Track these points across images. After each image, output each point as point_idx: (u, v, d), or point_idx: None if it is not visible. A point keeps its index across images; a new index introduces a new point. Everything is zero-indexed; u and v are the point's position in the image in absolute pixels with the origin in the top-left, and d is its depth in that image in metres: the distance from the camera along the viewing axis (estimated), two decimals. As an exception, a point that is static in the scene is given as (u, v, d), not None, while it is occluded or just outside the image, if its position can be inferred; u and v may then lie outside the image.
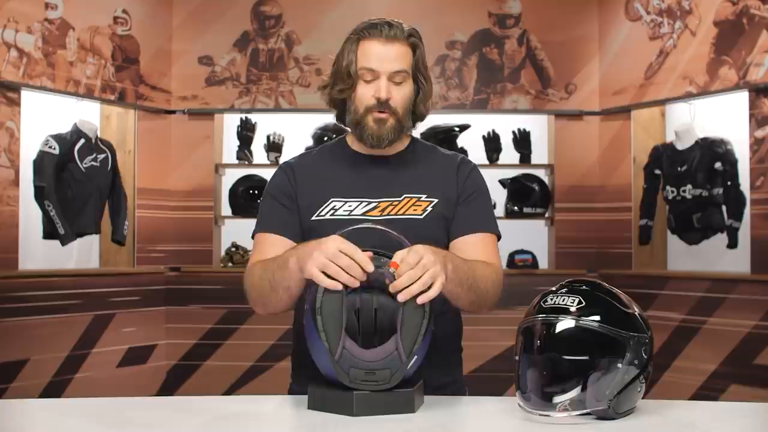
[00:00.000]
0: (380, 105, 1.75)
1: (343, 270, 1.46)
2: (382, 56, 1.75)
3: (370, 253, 1.51)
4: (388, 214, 1.76)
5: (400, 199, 1.78)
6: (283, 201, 1.81)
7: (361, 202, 1.77)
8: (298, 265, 1.55)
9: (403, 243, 1.54)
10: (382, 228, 1.55)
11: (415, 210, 1.77)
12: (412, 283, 1.47)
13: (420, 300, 1.47)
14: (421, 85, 1.81)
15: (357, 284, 1.47)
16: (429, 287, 1.48)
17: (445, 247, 1.75)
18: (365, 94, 1.76)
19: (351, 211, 1.76)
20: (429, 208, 1.78)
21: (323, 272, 1.47)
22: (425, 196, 1.79)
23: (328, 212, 1.77)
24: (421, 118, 1.86)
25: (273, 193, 1.84)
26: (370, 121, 1.77)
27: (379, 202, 1.77)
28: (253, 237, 1.84)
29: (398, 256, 1.49)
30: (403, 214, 1.76)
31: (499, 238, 1.84)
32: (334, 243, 1.49)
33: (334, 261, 1.47)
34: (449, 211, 1.80)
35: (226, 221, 5.18)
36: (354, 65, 1.76)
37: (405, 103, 1.78)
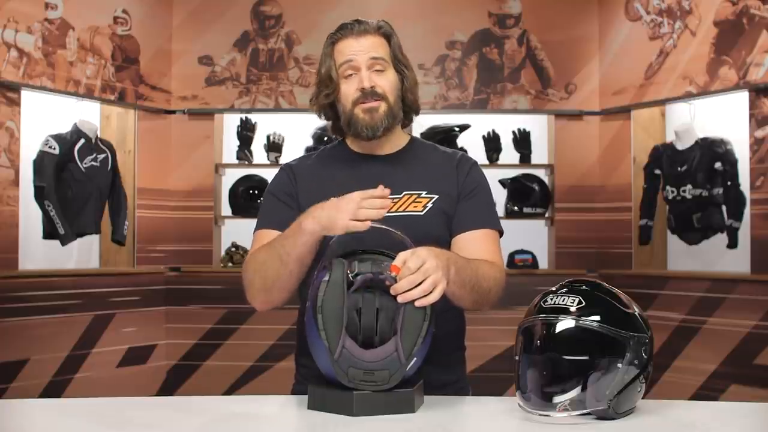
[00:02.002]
0: (366, 95, 1.76)
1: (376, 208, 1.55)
2: (357, 49, 1.77)
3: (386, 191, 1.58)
4: (388, 212, 1.75)
5: (400, 195, 1.78)
6: (284, 199, 1.82)
7: None
8: (319, 225, 1.59)
9: (407, 243, 1.54)
10: (386, 228, 1.55)
11: (415, 207, 1.77)
12: (412, 288, 1.47)
13: (418, 304, 1.47)
14: (403, 74, 1.81)
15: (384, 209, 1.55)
16: (430, 292, 1.48)
17: (446, 243, 1.75)
18: (349, 90, 1.77)
19: None
20: (429, 205, 1.78)
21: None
22: (425, 192, 1.79)
23: None
24: (415, 110, 1.86)
25: (274, 191, 1.86)
26: (359, 113, 1.77)
27: None
28: (253, 233, 1.84)
29: (401, 257, 1.49)
30: (403, 211, 1.76)
31: (501, 234, 1.84)
32: (354, 195, 1.57)
33: (363, 205, 1.54)
34: (450, 207, 1.80)
35: (226, 221, 5.18)
36: (334, 69, 1.78)
37: (392, 89, 1.79)
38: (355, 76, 1.77)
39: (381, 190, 1.56)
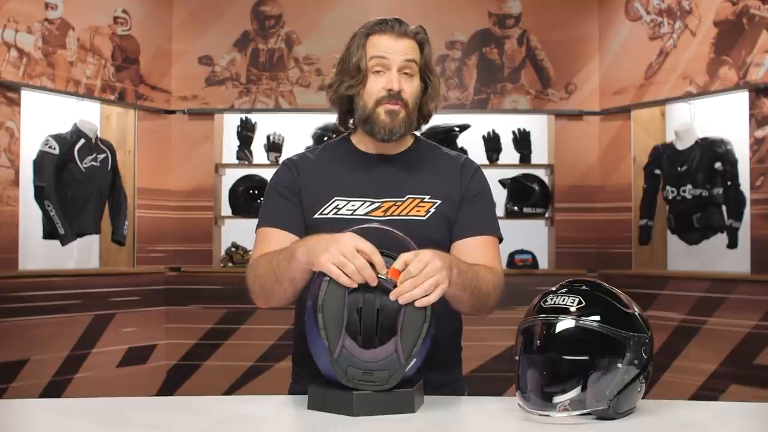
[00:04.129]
0: (391, 96, 1.74)
1: (359, 270, 1.46)
2: (393, 49, 1.75)
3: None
4: (391, 215, 1.75)
5: (404, 199, 1.78)
6: (287, 195, 1.81)
7: (365, 202, 1.77)
8: (307, 257, 1.54)
9: (409, 244, 1.54)
10: (388, 228, 1.55)
11: (418, 211, 1.77)
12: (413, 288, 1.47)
13: (418, 303, 1.47)
14: (428, 83, 1.81)
15: (373, 284, 1.47)
16: (430, 293, 1.48)
17: (446, 248, 1.75)
18: (375, 87, 1.75)
19: (354, 210, 1.76)
20: (432, 210, 1.77)
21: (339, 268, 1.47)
22: (428, 197, 1.79)
23: (331, 211, 1.77)
24: (427, 117, 1.86)
25: (277, 188, 1.83)
26: (381, 113, 1.75)
27: (383, 202, 1.77)
28: (256, 231, 1.83)
29: (402, 259, 1.49)
30: (406, 215, 1.76)
31: (500, 240, 1.84)
32: (352, 241, 1.48)
33: (352, 261, 1.46)
34: (452, 213, 1.79)
35: (226, 221, 5.18)
36: (364, 60, 1.75)
37: (415, 97, 1.78)
38: (384, 74, 1.75)
39: (381, 258, 1.48)
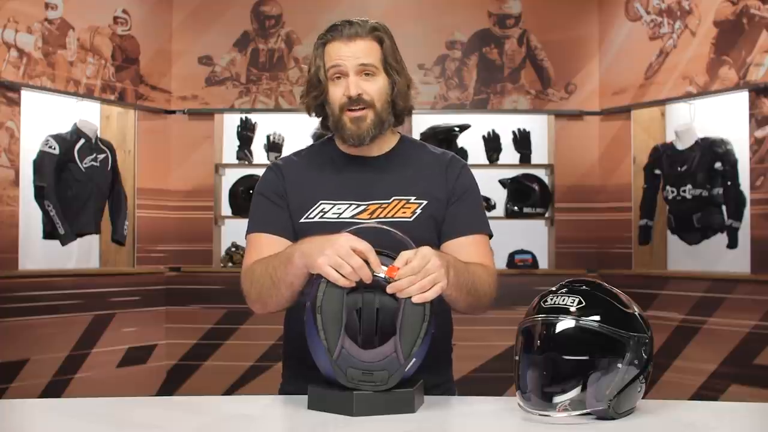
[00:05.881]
0: (352, 102, 1.74)
1: (355, 270, 1.46)
2: (346, 54, 1.75)
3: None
4: (377, 217, 1.74)
5: (389, 201, 1.77)
6: (273, 199, 1.81)
7: (350, 204, 1.76)
8: (303, 260, 1.54)
9: (407, 243, 1.54)
10: (387, 228, 1.55)
11: (404, 212, 1.76)
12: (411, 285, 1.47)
13: (416, 299, 1.47)
14: (395, 79, 1.78)
15: (368, 281, 1.48)
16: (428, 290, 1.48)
17: (435, 248, 1.74)
18: (336, 94, 1.76)
19: (340, 213, 1.75)
20: (418, 210, 1.77)
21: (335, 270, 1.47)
22: (414, 197, 1.78)
23: (317, 215, 1.76)
24: (407, 112, 1.84)
25: (264, 192, 1.84)
26: (347, 121, 1.75)
27: (368, 204, 1.76)
28: (246, 237, 1.83)
29: (404, 257, 1.49)
30: (392, 217, 1.75)
31: (490, 236, 1.83)
32: (348, 241, 1.48)
33: (348, 261, 1.46)
34: (439, 213, 1.79)
35: (226, 221, 5.18)
36: (323, 70, 1.77)
37: (381, 96, 1.76)
38: (343, 80, 1.75)
39: (377, 257, 1.49)
